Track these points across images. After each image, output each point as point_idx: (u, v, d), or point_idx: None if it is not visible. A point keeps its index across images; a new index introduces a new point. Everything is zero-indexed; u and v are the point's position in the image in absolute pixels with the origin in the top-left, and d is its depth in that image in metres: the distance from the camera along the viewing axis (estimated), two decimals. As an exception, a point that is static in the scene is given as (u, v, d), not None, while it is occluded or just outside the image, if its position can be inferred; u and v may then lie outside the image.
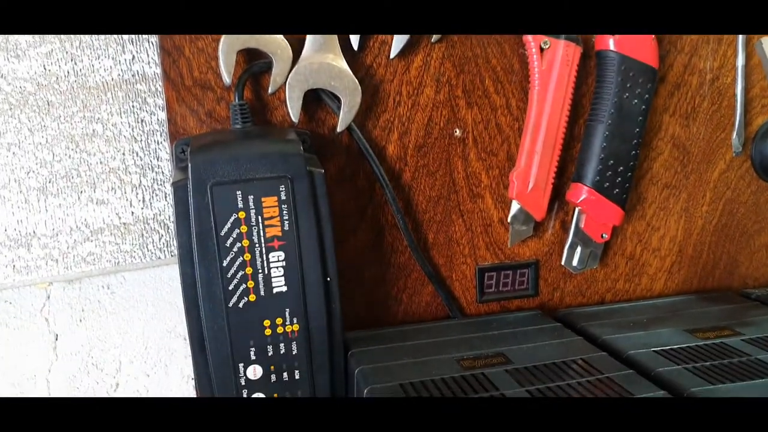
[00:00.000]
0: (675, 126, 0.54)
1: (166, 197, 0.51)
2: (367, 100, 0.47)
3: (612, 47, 0.48)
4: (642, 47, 0.49)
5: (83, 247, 0.49)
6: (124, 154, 0.49)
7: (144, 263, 0.51)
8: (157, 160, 0.50)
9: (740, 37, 0.53)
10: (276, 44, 0.43)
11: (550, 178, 0.50)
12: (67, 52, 0.47)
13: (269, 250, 0.40)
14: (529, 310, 0.53)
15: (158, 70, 0.48)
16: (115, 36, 0.47)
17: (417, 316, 0.52)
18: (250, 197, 0.39)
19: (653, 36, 0.49)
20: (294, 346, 0.41)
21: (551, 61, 0.48)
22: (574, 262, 0.53)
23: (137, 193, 0.50)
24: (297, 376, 0.41)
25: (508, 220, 0.51)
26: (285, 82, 0.43)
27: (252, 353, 0.40)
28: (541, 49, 0.48)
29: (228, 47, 0.42)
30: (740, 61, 0.54)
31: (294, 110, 0.44)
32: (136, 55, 0.48)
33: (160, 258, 0.51)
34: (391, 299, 0.51)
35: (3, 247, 0.48)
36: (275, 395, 0.41)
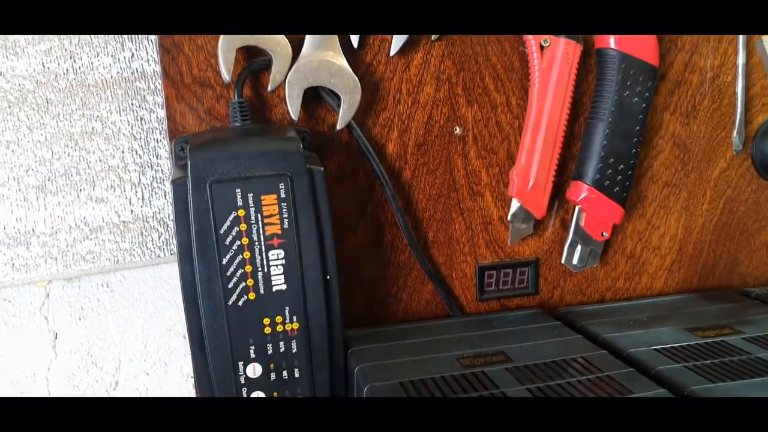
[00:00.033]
0: (675, 124, 0.54)
1: (165, 195, 0.51)
2: (366, 98, 0.47)
3: (612, 45, 0.48)
4: (642, 45, 0.48)
5: (82, 246, 0.49)
6: (123, 152, 0.49)
7: (143, 261, 0.51)
8: (157, 158, 0.50)
9: (741, 35, 0.53)
10: (275, 42, 0.42)
11: (551, 176, 0.50)
12: (66, 50, 0.47)
13: (269, 248, 0.39)
14: (529, 309, 0.53)
15: (157, 68, 0.48)
16: (114, 33, 0.47)
17: (417, 315, 0.52)
18: (250, 195, 0.39)
19: (654, 34, 0.49)
20: (294, 345, 0.41)
21: (551, 59, 0.48)
22: (575, 261, 0.53)
23: (136, 192, 0.50)
24: (297, 375, 0.41)
25: (508, 218, 0.51)
26: (284, 80, 0.43)
27: (251, 351, 0.40)
28: (542, 47, 0.48)
29: (227, 45, 0.42)
30: (741, 59, 0.54)
31: (293, 108, 0.44)
32: (135, 53, 0.48)
33: (159, 256, 0.51)
34: (391, 297, 0.51)
35: (2, 246, 0.47)
36: (275, 394, 0.41)
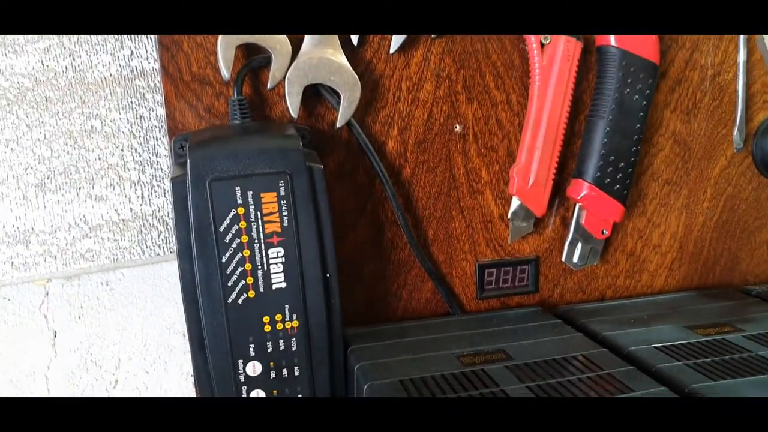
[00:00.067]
0: (676, 122, 0.54)
1: (164, 193, 0.50)
2: (366, 96, 0.47)
3: (613, 43, 0.48)
4: (643, 43, 0.48)
5: (82, 244, 0.49)
6: (122, 150, 0.49)
7: (143, 260, 0.51)
8: (156, 156, 0.50)
9: (742, 32, 0.53)
10: (275, 39, 0.42)
11: (551, 174, 0.50)
12: (65, 48, 0.46)
13: (268, 246, 0.39)
14: (530, 307, 0.53)
15: (157, 66, 0.48)
16: (114, 31, 0.47)
17: (417, 313, 0.52)
18: (249, 193, 0.39)
19: (654, 31, 0.49)
20: (293, 343, 0.41)
21: (552, 56, 0.48)
22: (575, 259, 0.53)
23: (136, 190, 0.50)
24: (296, 373, 0.41)
25: (509, 216, 0.51)
26: (284, 78, 0.43)
27: (251, 350, 0.40)
28: (542, 45, 0.48)
29: (227, 42, 0.42)
30: (741, 56, 0.54)
31: (293, 105, 0.44)
32: (135, 51, 0.48)
33: (158, 254, 0.51)
34: (390, 295, 0.51)
35: (1, 244, 0.47)
36: (274, 392, 0.41)
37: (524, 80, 0.50)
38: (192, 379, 0.53)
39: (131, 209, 0.50)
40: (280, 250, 0.40)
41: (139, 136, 0.49)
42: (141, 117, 0.49)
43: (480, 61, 0.49)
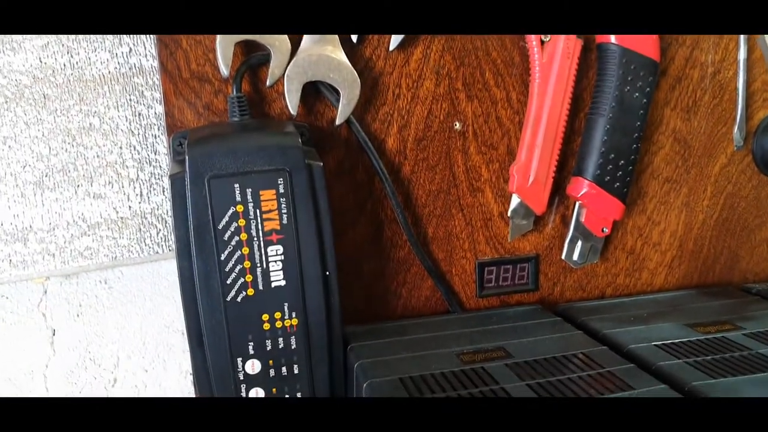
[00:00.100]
0: (676, 120, 0.54)
1: (163, 191, 0.50)
2: (366, 93, 0.47)
3: (613, 40, 0.48)
4: (643, 40, 0.48)
5: (80, 242, 0.49)
6: (121, 147, 0.49)
7: (141, 258, 0.51)
8: (155, 153, 0.50)
9: (742, 30, 0.53)
10: (274, 36, 0.42)
11: (551, 171, 0.50)
12: (63, 45, 0.46)
13: (267, 243, 0.39)
14: (529, 305, 0.53)
15: (155, 63, 0.48)
16: (112, 28, 0.47)
17: (416, 311, 0.52)
18: (248, 190, 0.38)
19: (654, 28, 0.48)
20: (293, 341, 0.41)
21: (552, 54, 0.48)
22: (575, 257, 0.53)
23: (135, 188, 0.50)
24: (296, 371, 0.41)
25: (508, 214, 0.51)
26: (283, 75, 0.43)
27: (250, 348, 0.40)
28: (542, 42, 0.48)
29: (226, 40, 0.41)
30: (742, 54, 0.54)
31: (292, 103, 0.43)
32: (133, 48, 0.48)
33: (157, 252, 0.51)
34: (390, 294, 0.51)
35: (-1, 242, 0.47)
36: (274, 390, 0.41)
37: (524, 78, 0.50)
38: (191, 378, 0.53)
39: (130, 207, 0.50)
40: (279, 248, 0.39)
41: (138, 134, 0.49)
42: (139, 114, 0.49)
43: (480, 58, 0.49)
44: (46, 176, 0.47)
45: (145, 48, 0.48)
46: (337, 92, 0.44)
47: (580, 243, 0.53)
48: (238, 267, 0.39)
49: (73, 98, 0.47)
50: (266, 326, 0.40)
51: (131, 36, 0.48)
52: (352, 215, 0.49)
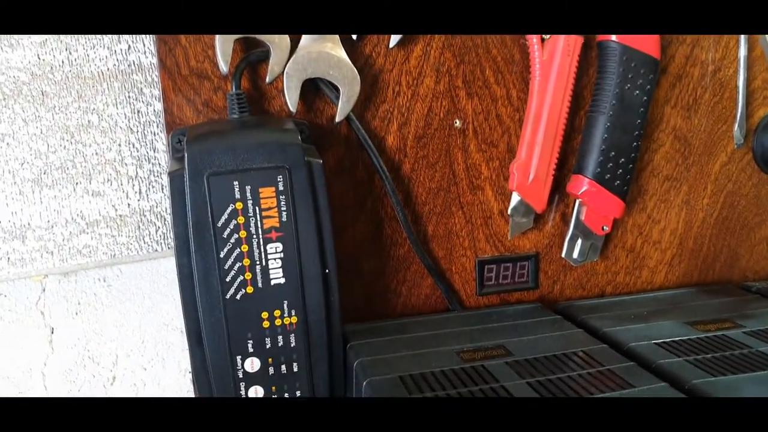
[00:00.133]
0: (676, 118, 0.54)
1: (162, 189, 0.50)
2: (366, 90, 0.46)
3: (614, 38, 0.48)
4: (644, 38, 0.48)
5: (79, 240, 0.49)
6: (120, 145, 0.49)
7: (140, 255, 0.50)
8: (154, 151, 0.49)
9: (742, 27, 0.53)
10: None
11: (551, 169, 0.50)
12: (61, 42, 0.46)
13: (267, 241, 0.39)
14: (529, 303, 0.53)
15: (154, 60, 0.48)
16: (111, 25, 0.47)
17: (416, 309, 0.51)
18: (248, 188, 0.38)
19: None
20: (292, 339, 0.41)
21: (552, 51, 0.48)
22: (575, 255, 0.53)
23: (133, 185, 0.49)
24: (295, 369, 0.41)
25: (509, 212, 0.51)
26: (283, 72, 0.43)
27: (250, 346, 0.40)
28: (542, 40, 0.47)
29: (225, 36, 0.41)
30: (742, 52, 0.54)
31: (292, 100, 0.43)
32: (132, 45, 0.48)
33: (156, 250, 0.51)
34: (390, 292, 0.51)
35: (-3, 239, 0.47)
36: (273, 388, 0.41)
37: (524, 75, 0.49)
38: (190, 376, 0.52)
39: (129, 205, 0.49)
40: (279, 246, 0.39)
41: (137, 131, 0.49)
42: (138, 112, 0.49)
43: (480, 55, 0.48)
44: (44, 173, 0.47)
45: (144, 45, 0.48)
46: (337, 89, 0.44)
47: (580, 241, 0.52)
48: (238, 265, 0.39)
49: (71, 95, 0.47)
50: (266, 324, 0.40)
51: (130, 33, 0.47)
52: (352, 213, 0.48)
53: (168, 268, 0.52)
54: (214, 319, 0.39)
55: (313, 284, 0.40)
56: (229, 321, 0.39)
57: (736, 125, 0.55)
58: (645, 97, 0.49)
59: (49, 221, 0.48)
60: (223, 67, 0.42)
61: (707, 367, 0.41)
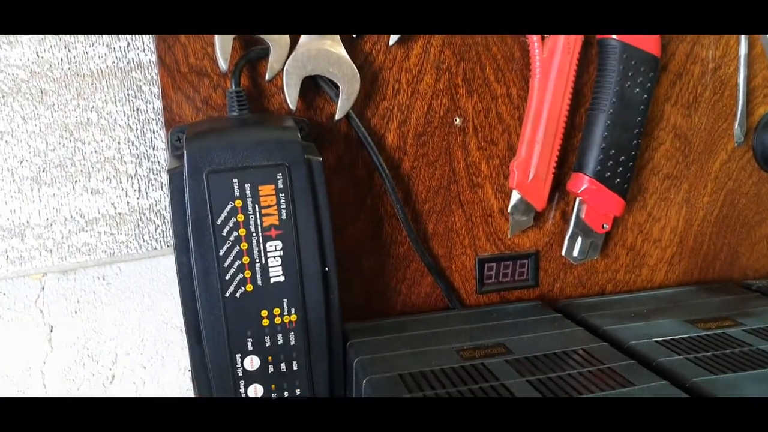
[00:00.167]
0: (677, 116, 0.54)
1: (162, 187, 0.50)
2: (365, 88, 0.46)
3: (614, 35, 0.47)
4: (644, 36, 0.48)
5: (78, 238, 0.49)
6: (119, 143, 0.48)
7: (140, 254, 0.50)
8: (153, 149, 0.49)
9: (743, 25, 0.53)
10: (273, 30, 0.42)
11: (551, 167, 0.50)
12: (60, 39, 0.46)
13: (266, 239, 0.39)
14: (529, 301, 0.53)
15: (154, 58, 0.47)
16: (110, 22, 0.47)
17: (416, 307, 0.51)
18: (247, 185, 0.38)
19: (656, 23, 0.48)
20: (292, 337, 0.40)
21: (552, 49, 0.47)
22: (575, 253, 0.53)
23: (133, 183, 0.49)
24: (295, 367, 0.41)
25: (509, 210, 0.51)
26: (282, 69, 0.43)
27: (249, 344, 0.40)
28: (543, 37, 0.47)
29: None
30: (743, 50, 0.54)
31: (291, 97, 0.43)
32: (131, 43, 0.48)
33: (156, 248, 0.51)
34: (390, 290, 0.50)
35: (-4, 237, 0.47)
36: (273, 386, 0.41)
37: (524, 73, 0.49)
38: (189, 374, 0.52)
39: (128, 203, 0.49)
40: (278, 244, 0.39)
41: (136, 129, 0.49)
42: (138, 109, 0.48)
43: (480, 53, 0.48)
44: (43, 171, 0.47)
45: (143, 42, 0.48)
46: (337, 87, 0.44)
47: (580, 239, 0.52)
48: (237, 263, 0.39)
49: (70, 93, 0.47)
50: (265, 322, 0.40)
51: (129, 30, 0.47)
52: (352, 211, 0.48)
53: (167, 266, 0.52)
54: (214, 317, 0.39)
55: (313, 282, 0.40)
56: (228, 319, 0.39)
57: (737, 123, 0.55)
58: (645, 95, 0.49)
59: (48, 219, 0.48)
60: (223, 64, 0.41)
61: (707, 365, 0.41)
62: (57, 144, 0.47)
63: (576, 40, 0.47)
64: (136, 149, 0.49)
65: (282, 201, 0.39)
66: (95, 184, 0.48)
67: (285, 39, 0.42)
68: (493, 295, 0.53)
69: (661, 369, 0.41)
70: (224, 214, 0.38)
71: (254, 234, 0.39)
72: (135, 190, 0.49)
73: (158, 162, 0.50)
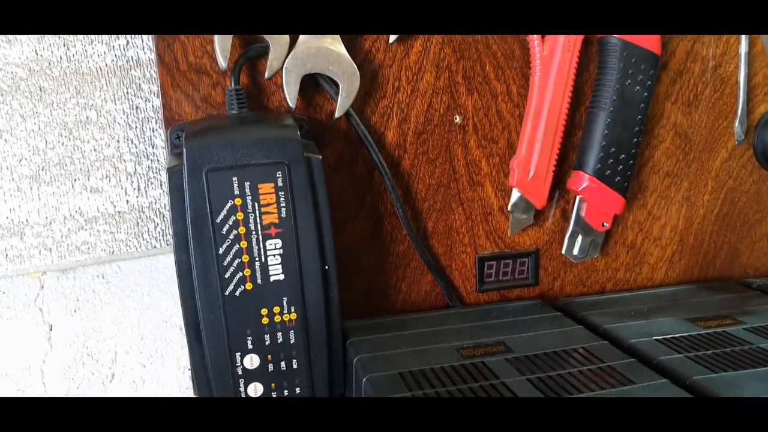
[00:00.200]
0: (677, 114, 0.54)
1: (161, 185, 0.50)
2: (365, 86, 0.46)
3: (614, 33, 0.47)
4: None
5: (77, 236, 0.48)
6: (118, 141, 0.48)
7: (139, 252, 0.50)
8: (152, 147, 0.49)
9: (743, 23, 0.53)
10: (273, 28, 0.42)
11: (551, 165, 0.50)
12: (59, 37, 0.46)
13: (266, 237, 0.39)
14: (530, 300, 0.53)
15: (153, 56, 0.47)
16: (109, 20, 0.46)
17: (416, 306, 0.51)
18: (247, 183, 0.38)
19: (656, 21, 0.48)
20: (292, 335, 0.40)
21: (552, 47, 0.47)
22: (575, 251, 0.53)
23: (132, 181, 0.49)
24: (295, 366, 0.41)
25: (509, 208, 0.51)
26: (282, 67, 0.43)
27: (249, 342, 0.40)
28: (543, 35, 0.47)
29: (223, 31, 0.41)
30: (743, 48, 0.53)
31: (291, 95, 0.43)
32: (131, 41, 0.47)
33: (155, 247, 0.51)
34: (390, 288, 0.50)
35: (-5, 236, 0.47)
36: (272, 385, 0.41)
37: (525, 71, 0.49)
38: (189, 373, 0.52)
39: (127, 201, 0.49)
40: (278, 242, 0.39)
41: (135, 127, 0.49)
42: (137, 108, 0.48)
43: (480, 51, 0.48)
44: (42, 170, 0.47)
45: (142, 41, 0.48)
46: (336, 85, 0.44)
47: (580, 237, 0.52)
48: (237, 261, 0.39)
49: (69, 91, 0.47)
50: (265, 321, 0.40)
51: (128, 28, 0.47)
52: (352, 209, 0.48)
53: (167, 264, 0.52)
54: (213, 315, 0.39)
55: (313, 280, 0.40)
56: (228, 317, 0.39)
57: (737, 121, 0.55)
58: (645, 93, 0.49)
59: (47, 218, 0.48)
60: (222, 62, 0.41)
61: (708, 363, 0.41)
62: (56, 142, 0.47)
63: (576, 38, 0.47)
64: (136, 147, 0.49)
65: (281, 199, 0.39)
66: (94, 183, 0.48)
67: (284, 37, 0.42)
68: (493, 294, 0.53)
69: (661, 367, 0.41)
70: (224, 212, 0.38)
71: (254, 232, 0.39)
72: (134, 189, 0.49)
73: (157, 160, 0.49)
